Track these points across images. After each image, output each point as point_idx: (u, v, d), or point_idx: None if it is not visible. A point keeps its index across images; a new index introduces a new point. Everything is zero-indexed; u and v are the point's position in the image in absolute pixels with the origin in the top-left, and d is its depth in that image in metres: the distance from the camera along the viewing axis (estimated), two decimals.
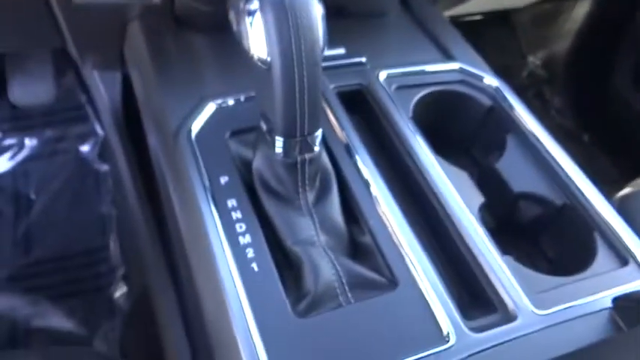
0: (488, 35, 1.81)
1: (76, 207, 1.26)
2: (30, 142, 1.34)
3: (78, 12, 0.84)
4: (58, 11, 0.85)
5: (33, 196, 1.28)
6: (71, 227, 1.24)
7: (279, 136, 0.56)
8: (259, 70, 0.53)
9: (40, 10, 0.88)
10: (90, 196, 1.28)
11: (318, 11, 0.52)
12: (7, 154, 1.33)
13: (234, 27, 0.56)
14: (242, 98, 0.70)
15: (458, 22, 1.14)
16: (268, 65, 0.52)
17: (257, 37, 0.52)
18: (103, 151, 1.31)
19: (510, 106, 0.75)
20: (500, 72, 0.84)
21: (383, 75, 0.77)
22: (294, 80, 0.51)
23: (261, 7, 0.50)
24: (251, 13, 0.52)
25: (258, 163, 0.61)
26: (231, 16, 0.56)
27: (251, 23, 0.52)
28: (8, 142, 1.34)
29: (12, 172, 1.30)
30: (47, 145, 1.34)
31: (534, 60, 1.88)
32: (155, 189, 0.79)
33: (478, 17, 1.68)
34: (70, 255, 1.22)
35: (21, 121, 1.37)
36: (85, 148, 1.33)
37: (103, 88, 1.07)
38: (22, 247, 1.22)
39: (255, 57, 0.53)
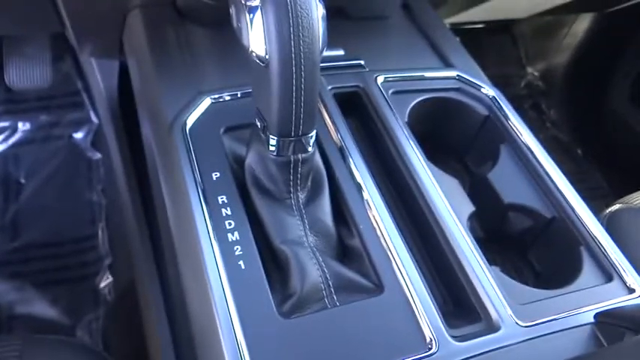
0: (488, 44, 1.81)
1: (66, 194, 1.26)
2: (23, 126, 1.33)
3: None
4: None
5: (23, 181, 1.27)
6: (60, 214, 1.23)
7: (274, 134, 0.55)
8: (257, 67, 0.53)
9: None
10: (81, 184, 1.27)
11: (318, 11, 0.52)
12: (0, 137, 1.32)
13: (234, 23, 0.55)
14: (239, 94, 0.70)
15: (459, 30, 1.14)
16: (266, 63, 0.51)
17: (257, 35, 0.51)
18: (97, 140, 1.31)
19: (506, 117, 0.75)
20: (498, 81, 0.84)
21: (380, 79, 0.77)
22: (292, 80, 0.51)
23: (262, 5, 0.50)
24: (252, 10, 0.51)
25: (250, 160, 0.60)
26: (232, 11, 0.56)
27: (251, 20, 0.52)
28: (1, 125, 1.33)
29: (3, 156, 1.29)
30: (40, 130, 1.33)
31: (533, 71, 1.89)
32: (146, 180, 0.78)
33: (479, 26, 1.69)
34: (58, 242, 1.21)
35: (15, 104, 1.36)
36: (78, 135, 1.33)
37: (100, 76, 1.06)
38: (9, 232, 1.21)
39: (254, 54, 0.52)
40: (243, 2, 0.52)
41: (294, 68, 0.50)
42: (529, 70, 1.89)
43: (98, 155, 1.30)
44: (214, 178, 0.62)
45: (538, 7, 1.40)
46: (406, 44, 0.88)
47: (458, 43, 0.89)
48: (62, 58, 1.38)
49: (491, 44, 1.84)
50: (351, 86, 0.76)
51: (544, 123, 1.83)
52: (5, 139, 1.31)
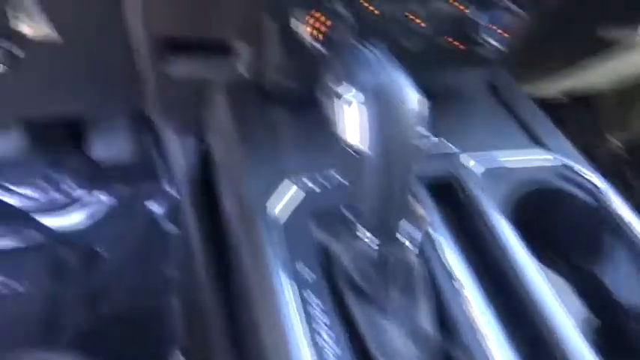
0: (568, 113, 1.75)
1: (143, 269, 1.26)
2: (104, 198, 1.37)
3: (168, 82, 0.86)
4: (152, 80, 0.87)
5: (103, 254, 1.29)
6: (137, 290, 1.24)
7: (368, 230, 0.52)
8: (351, 158, 0.51)
9: (126, 76, 0.91)
10: (157, 259, 1.28)
11: (417, 104, 0.49)
12: (81, 209, 1.36)
13: (326, 110, 0.54)
14: (329, 183, 0.68)
15: (538, 103, 1.09)
16: (362, 155, 0.49)
17: (351, 125, 0.50)
18: (174, 214, 1.32)
19: (616, 208, 0.69)
20: (579, 152, 0.79)
21: (472, 163, 0.73)
22: (389, 176, 0.49)
23: (360, 99, 0.48)
24: (347, 101, 0.50)
25: (343, 255, 0.57)
26: (323, 98, 0.55)
27: (346, 111, 0.50)
28: (82, 196, 1.38)
29: (84, 227, 1.33)
30: (120, 203, 1.36)
31: (615, 141, 1.80)
32: (226, 260, 0.77)
33: (560, 98, 1.63)
34: (132, 318, 1.21)
35: (97, 176, 1.41)
36: (156, 208, 1.35)
37: (180, 152, 1.09)
38: (87, 306, 1.22)
39: (348, 144, 0.51)
40: (337, 92, 0.51)
41: (391, 164, 0.48)
42: (611, 139, 1.80)
43: (175, 229, 1.31)
44: (303, 272, 0.59)
45: (622, 77, 1.35)
46: (495, 124, 0.84)
47: (548, 121, 0.85)
48: (143, 133, 1.43)
49: (571, 113, 1.77)
50: (441, 171, 0.72)
51: (632, 194, 1.71)
52: (86, 211, 1.35)
